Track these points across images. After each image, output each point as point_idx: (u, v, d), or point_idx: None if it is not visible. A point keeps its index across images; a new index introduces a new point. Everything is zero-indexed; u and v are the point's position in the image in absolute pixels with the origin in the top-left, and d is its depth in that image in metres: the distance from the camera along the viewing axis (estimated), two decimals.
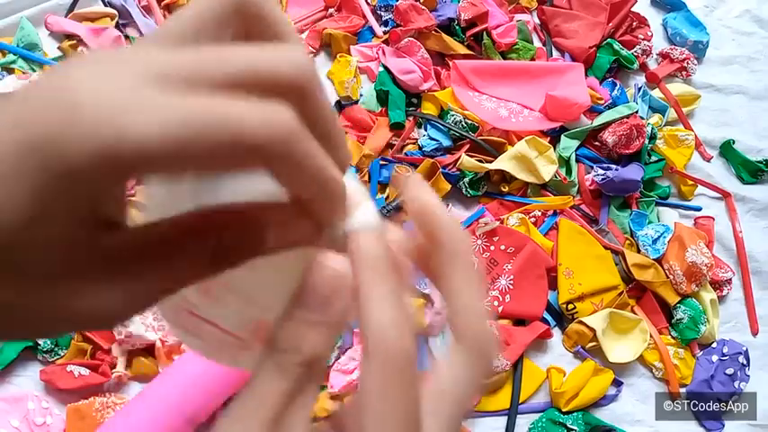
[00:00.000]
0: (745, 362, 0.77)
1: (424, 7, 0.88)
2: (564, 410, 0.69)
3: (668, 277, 0.77)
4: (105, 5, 0.83)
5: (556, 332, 0.75)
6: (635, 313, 0.76)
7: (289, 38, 0.18)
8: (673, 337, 0.77)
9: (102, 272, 0.15)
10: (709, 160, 0.93)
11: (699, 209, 0.87)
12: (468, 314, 0.19)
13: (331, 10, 0.91)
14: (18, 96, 0.14)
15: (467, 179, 0.78)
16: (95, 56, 0.15)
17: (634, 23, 0.98)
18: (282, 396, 0.16)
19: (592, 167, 0.84)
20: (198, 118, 0.14)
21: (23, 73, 0.73)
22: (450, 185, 0.77)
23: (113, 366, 0.61)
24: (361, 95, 0.84)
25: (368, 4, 0.91)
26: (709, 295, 0.79)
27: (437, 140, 0.80)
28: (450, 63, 0.87)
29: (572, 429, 0.68)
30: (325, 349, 0.17)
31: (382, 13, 0.90)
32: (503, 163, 0.79)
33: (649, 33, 0.98)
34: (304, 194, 0.16)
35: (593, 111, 0.87)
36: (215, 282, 0.19)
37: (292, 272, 0.19)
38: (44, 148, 0.13)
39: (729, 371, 0.75)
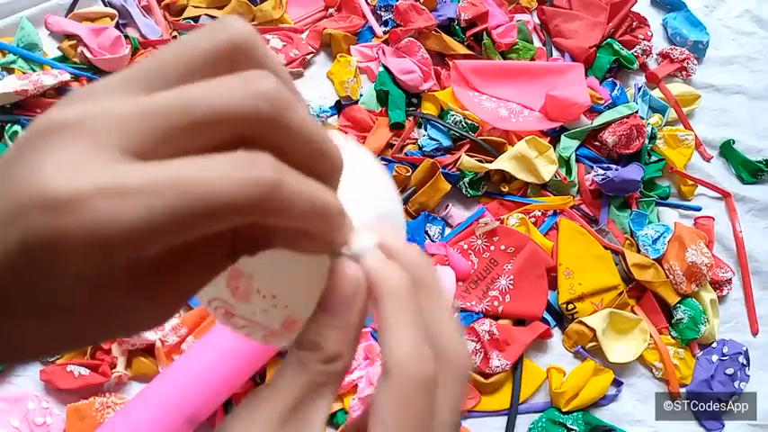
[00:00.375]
0: (745, 362, 0.77)
1: (424, 7, 0.88)
2: (564, 410, 0.69)
3: (668, 277, 0.77)
4: (105, 5, 0.83)
5: (556, 332, 0.75)
6: (635, 313, 0.76)
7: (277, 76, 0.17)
8: (673, 337, 0.77)
9: (144, 289, 0.16)
10: (709, 160, 0.93)
11: (699, 209, 0.87)
12: (441, 336, 0.19)
13: (331, 10, 0.91)
14: None
15: (467, 179, 0.78)
16: (60, 126, 0.14)
17: (634, 23, 0.98)
18: (301, 389, 0.18)
19: (592, 167, 0.84)
20: (178, 197, 0.14)
21: (23, 73, 0.73)
22: (450, 185, 0.77)
23: (113, 366, 0.61)
24: (361, 95, 0.84)
25: (368, 4, 0.91)
26: (709, 295, 0.79)
27: (437, 140, 0.80)
28: (450, 63, 0.87)
29: (572, 429, 0.68)
30: (345, 350, 0.18)
31: (382, 13, 0.90)
32: (503, 163, 0.79)
33: (649, 33, 0.98)
34: (301, 227, 0.16)
35: (593, 111, 0.87)
36: (247, 289, 0.22)
37: (318, 278, 0.20)
38: (37, 249, 0.13)
39: (729, 371, 0.75)
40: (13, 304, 0.15)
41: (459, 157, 0.79)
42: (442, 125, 0.81)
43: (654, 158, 0.87)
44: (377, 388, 0.18)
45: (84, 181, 0.13)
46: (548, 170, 0.80)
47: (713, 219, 0.86)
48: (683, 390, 0.75)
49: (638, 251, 0.80)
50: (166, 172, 0.14)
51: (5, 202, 0.14)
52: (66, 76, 0.73)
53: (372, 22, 0.89)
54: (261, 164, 0.15)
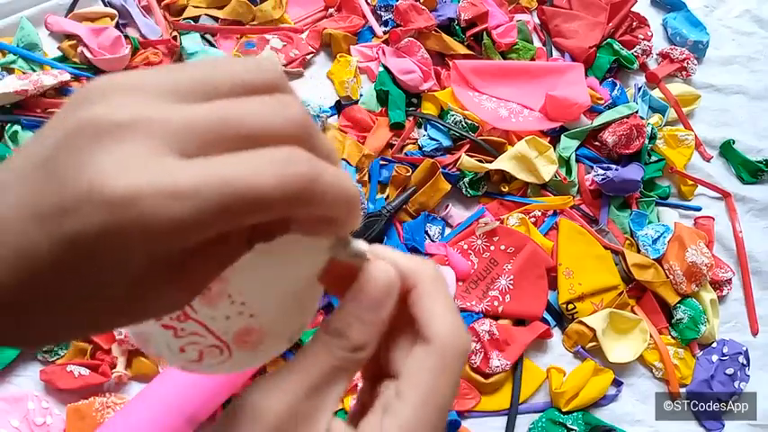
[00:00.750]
0: (745, 362, 0.77)
1: (423, 7, 0.88)
2: (564, 410, 0.69)
3: (668, 277, 0.77)
4: (105, 5, 0.83)
5: (556, 332, 0.75)
6: (635, 313, 0.76)
7: None
8: (673, 337, 0.77)
9: (175, 277, 0.17)
10: (709, 160, 0.93)
11: (699, 209, 0.87)
12: (443, 321, 0.21)
13: (331, 10, 0.91)
14: (39, 182, 0.15)
15: (467, 179, 0.78)
16: (113, 125, 0.15)
17: (634, 23, 0.98)
18: (325, 372, 0.20)
19: (592, 167, 0.84)
20: (224, 194, 0.15)
21: (23, 73, 0.73)
22: (450, 185, 0.77)
23: (113, 366, 0.61)
24: (361, 95, 0.84)
25: (368, 4, 0.91)
26: (709, 295, 0.79)
27: (437, 140, 0.80)
28: (450, 63, 0.87)
29: (572, 429, 0.68)
30: (371, 341, 0.20)
31: (382, 13, 0.90)
32: (503, 163, 0.79)
33: (649, 33, 0.98)
34: (326, 214, 0.18)
35: (593, 111, 0.87)
36: (219, 291, 0.21)
37: (293, 287, 0.21)
38: (90, 243, 0.14)
39: (729, 371, 0.75)
40: (50, 301, 0.16)
41: (459, 157, 0.79)
42: (442, 125, 0.81)
43: (654, 158, 0.87)
44: (412, 355, 0.20)
45: (140, 179, 0.14)
46: (548, 170, 0.80)
47: (713, 219, 0.86)
48: (683, 390, 0.75)
49: (638, 251, 0.80)
50: (212, 169, 0.15)
51: (52, 197, 0.14)
52: (66, 76, 0.73)
53: (372, 22, 0.89)
54: (297, 158, 0.16)
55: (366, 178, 0.78)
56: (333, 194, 0.17)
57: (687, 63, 0.96)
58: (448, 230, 0.78)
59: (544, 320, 0.74)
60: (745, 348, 0.77)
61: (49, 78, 0.72)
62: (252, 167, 0.15)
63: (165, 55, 0.80)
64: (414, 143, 0.82)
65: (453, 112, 0.82)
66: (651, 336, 0.75)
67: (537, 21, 0.98)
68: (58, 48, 0.78)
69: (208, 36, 0.84)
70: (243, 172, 0.15)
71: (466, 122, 0.81)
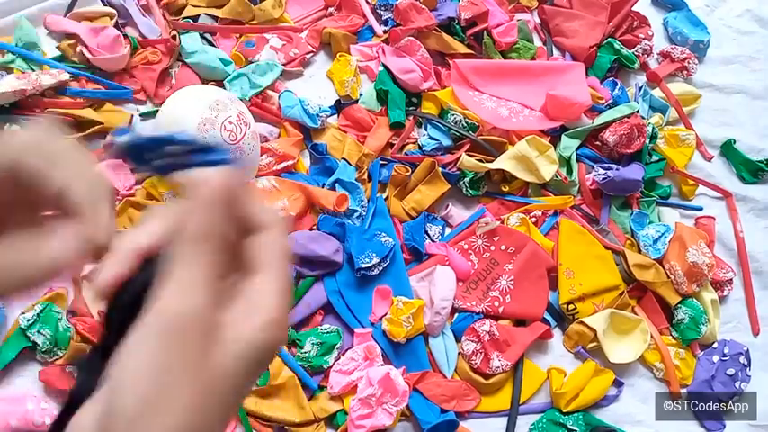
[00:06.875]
0: (746, 362, 0.77)
1: (424, 6, 0.88)
2: (564, 411, 0.69)
3: (669, 277, 0.77)
4: (104, 5, 0.82)
5: (556, 332, 0.75)
6: (636, 313, 0.76)
7: None
8: (674, 338, 0.77)
9: None
10: (709, 160, 0.93)
11: (700, 209, 0.87)
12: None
13: (331, 9, 0.91)
14: None
15: (467, 179, 0.78)
16: None
17: (635, 23, 0.97)
18: None
19: (592, 167, 0.84)
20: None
21: (22, 72, 0.73)
22: (450, 185, 0.77)
23: None
24: (360, 95, 0.84)
25: (368, 3, 0.90)
26: (709, 295, 0.78)
27: (437, 140, 0.80)
28: (451, 62, 0.87)
29: (572, 430, 0.67)
30: None
31: (382, 13, 0.90)
32: (503, 162, 0.79)
33: (650, 33, 0.98)
34: None
35: (594, 110, 0.87)
36: None
37: None
38: None
39: (730, 371, 0.75)
40: None
41: (459, 157, 0.78)
42: (443, 125, 0.81)
43: (655, 158, 0.87)
44: (260, 242, 0.22)
45: None
46: (548, 170, 0.80)
47: (714, 219, 0.86)
48: (683, 390, 0.75)
49: (639, 251, 0.79)
50: None
51: None
52: (65, 76, 0.73)
53: (372, 21, 0.89)
54: None
55: (366, 177, 0.78)
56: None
57: (688, 62, 0.96)
58: (448, 230, 0.78)
59: (545, 321, 0.74)
60: (746, 349, 0.77)
61: (48, 78, 0.71)
62: None
63: (164, 54, 0.80)
64: (414, 143, 0.82)
65: (453, 112, 0.81)
66: (652, 336, 0.74)
67: (537, 20, 0.98)
68: (57, 47, 0.78)
69: (207, 35, 0.84)
70: None
71: (466, 122, 0.81)
